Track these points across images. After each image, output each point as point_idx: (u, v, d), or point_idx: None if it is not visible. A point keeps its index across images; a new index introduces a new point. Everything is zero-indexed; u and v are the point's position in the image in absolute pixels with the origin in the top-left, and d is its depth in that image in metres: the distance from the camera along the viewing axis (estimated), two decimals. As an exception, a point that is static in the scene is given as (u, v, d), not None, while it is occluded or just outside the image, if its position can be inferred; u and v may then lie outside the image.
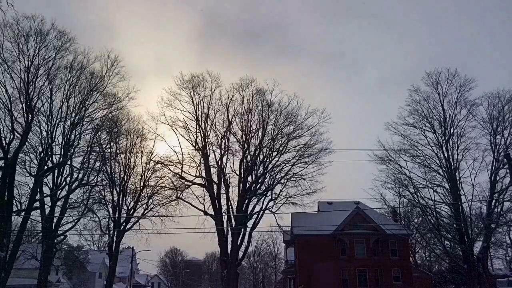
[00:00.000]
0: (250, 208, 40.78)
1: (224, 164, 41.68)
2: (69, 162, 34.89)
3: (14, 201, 31.08)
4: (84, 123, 35.42)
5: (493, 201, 35.38)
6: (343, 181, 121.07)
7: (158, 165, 41.69)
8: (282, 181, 41.84)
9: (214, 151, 41.91)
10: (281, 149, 41.74)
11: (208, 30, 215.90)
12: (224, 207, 40.62)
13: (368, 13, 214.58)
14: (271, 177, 42.21)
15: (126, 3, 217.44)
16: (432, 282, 45.72)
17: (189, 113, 41.91)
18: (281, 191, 41.56)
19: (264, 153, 41.95)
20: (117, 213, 40.66)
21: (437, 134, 38.09)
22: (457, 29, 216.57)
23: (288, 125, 41.79)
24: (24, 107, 31.12)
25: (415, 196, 38.36)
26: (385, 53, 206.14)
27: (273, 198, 41.50)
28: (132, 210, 41.40)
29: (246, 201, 40.69)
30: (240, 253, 41.02)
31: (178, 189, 40.70)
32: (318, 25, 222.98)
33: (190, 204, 40.39)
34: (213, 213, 39.88)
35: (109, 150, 39.54)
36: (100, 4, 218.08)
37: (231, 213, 40.24)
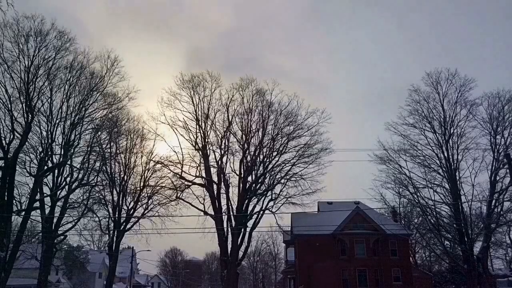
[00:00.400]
0: (250, 208, 40.78)
1: (224, 164, 41.74)
2: (69, 162, 34.87)
3: (14, 201, 31.04)
4: (84, 123, 35.41)
5: (493, 201, 35.35)
6: (343, 181, 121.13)
7: (158, 165, 41.74)
8: (282, 181, 41.88)
9: (214, 151, 41.98)
10: (281, 149, 41.76)
11: (190, 64, 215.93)
12: (224, 207, 40.69)
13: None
14: (271, 177, 42.21)
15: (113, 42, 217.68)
16: (432, 282, 45.69)
17: (189, 113, 41.99)
18: (281, 191, 41.64)
19: (264, 153, 41.96)
20: (117, 213, 40.67)
21: (437, 134, 38.09)
22: (457, 30, 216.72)
23: (288, 125, 41.83)
24: (24, 107, 31.11)
25: (415, 196, 38.34)
26: (386, 51, 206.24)
27: (273, 198, 41.52)
28: (132, 210, 41.42)
29: (246, 201, 40.69)
30: (240, 253, 41.03)
31: (178, 189, 40.71)
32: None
33: (190, 204, 40.46)
34: (213, 213, 39.88)
35: (109, 150, 39.55)
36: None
37: (231, 213, 40.24)
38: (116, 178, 41.18)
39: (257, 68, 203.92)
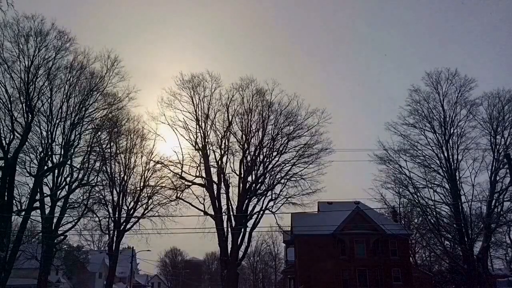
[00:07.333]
0: (250, 208, 40.74)
1: (224, 164, 41.67)
2: (69, 162, 34.88)
3: (14, 201, 31.02)
4: (84, 123, 35.43)
5: (493, 201, 35.41)
6: (343, 181, 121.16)
7: (158, 165, 41.77)
8: (282, 181, 41.82)
9: (214, 151, 41.91)
10: (281, 149, 41.74)
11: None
12: (224, 207, 40.62)
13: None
14: (271, 177, 42.18)
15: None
16: (432, 282, 45.65)
17: (189, 113, 41.93)
18: (281, 191, 41.58)
19: (264, 153, 41.94)
20: (117, 213, 40.69)
21: (437, 134, 38.16)
22: (457, 30, 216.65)
23: (288, 125, 41.79)
24: (24, 107, 31.11)
25: (415, 196, 38.42)
26: (387, 51, 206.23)
27: (273, 198, 41.48)
28: (132, 210, 41.45)
29: (246, 201, 40.64)
30: (240, 253, 40.98)
31: (178, 189, 40.67)
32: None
33: (190, 204, 40.42)
34: (213, 213, 39.84)
35: (109, 150, 39.55)
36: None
37: (231, 213, 40.20)
38: (116, 178, 41.21)
39: (255, 65, 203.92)
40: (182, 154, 40.89)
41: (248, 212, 40.23)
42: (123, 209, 41.23)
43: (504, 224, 39.71)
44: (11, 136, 30.82)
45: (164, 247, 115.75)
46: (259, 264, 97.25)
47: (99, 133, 37.07)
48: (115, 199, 40.84)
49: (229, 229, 39.91)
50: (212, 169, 41.42)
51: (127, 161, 41.85)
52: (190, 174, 41.24)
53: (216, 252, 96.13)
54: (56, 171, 34.47)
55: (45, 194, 33.44)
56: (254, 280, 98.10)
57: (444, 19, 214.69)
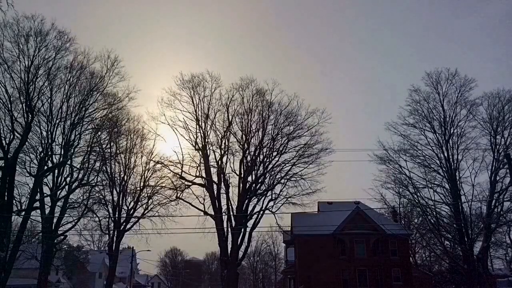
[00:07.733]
0: (250, 208, 40.73)
1: (224, 164, 41.66)
2: (69, 162, 34.86)
3: (14, 201, 31.00)
4: (84, 123, 35.41)
5: (493, 201, 35.41)
6: (343, 181, 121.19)
7: (158, 165, 41.77)
8: (282, 181, 41.81)
9: (214, 151, 41.90)
10: (281, 149, 41.73)
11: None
12: (224, 207, 40.60)
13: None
14: (271, 177, 42.16)
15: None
16: (432, 282, 45.64)
17: (189, 113, 41.91)
18: (281, 191, 41.56)
19: (264, 153, 41.93)
20: (117, 213, 40.69)
21: (437, 134, 38.19)
22: (457, 30, 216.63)
23: (288, 125, 41.78)
24: (24, 107, 31.09)
25: (415, 196, 38.44)
26: (386, 51, 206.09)
27: (273, 198, 41.46)
28: (132, 210, 41.45)
29: (246, 201, 40.63)
30: (240, 253, 40.96)
31: (178, 189, 40.66)
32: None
33: (190, 204, 40.41)
34: (213, 213, 39.83)
35: (109, 150, 39.54)
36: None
37: (231, 213, 40.18)
38: (116, 178, 41.21)
39: (255, 65, 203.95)
40: (182, 154, 40.94)
41: (248, 212, 40.22)
42: (123, 209, 41.24)
43: (504, 224, 39.74)
44: (11, 136, 30.82)
45: (164, 247, 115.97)
46: (259, 264, 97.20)
47: (99, 133, 37.08)
48: (115, 199, 40.89)
49: (229, 229, 39.90)
50: (212, 169, 41.46)
51: (127, 161, 41.89)
52: (190, 174, 41.29)
53: (216, 252, 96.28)
54: (56, 171, 34.46)
55: (45, 194, 33.42)
56: (254, 280, 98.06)
57: (444, 19, 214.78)
